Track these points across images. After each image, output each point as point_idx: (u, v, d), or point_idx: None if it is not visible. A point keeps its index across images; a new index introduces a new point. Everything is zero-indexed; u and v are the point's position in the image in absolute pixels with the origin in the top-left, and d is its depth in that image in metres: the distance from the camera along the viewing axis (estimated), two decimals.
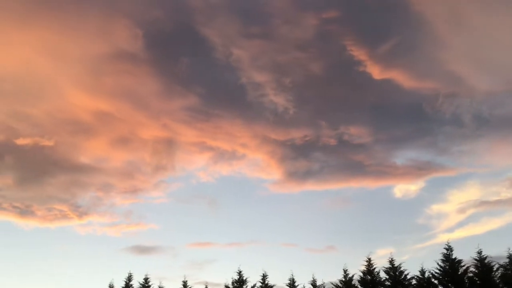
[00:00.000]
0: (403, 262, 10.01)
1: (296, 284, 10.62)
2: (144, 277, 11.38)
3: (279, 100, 17.58)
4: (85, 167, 16.71)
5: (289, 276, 10.74)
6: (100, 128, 16.58)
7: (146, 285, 11.32)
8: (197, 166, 18.06)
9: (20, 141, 15.66)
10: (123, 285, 11.34)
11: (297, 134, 17.66)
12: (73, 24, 15.12)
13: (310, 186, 18.19)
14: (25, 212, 15.90)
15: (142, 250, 16.45)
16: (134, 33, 15.77)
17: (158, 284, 11.55)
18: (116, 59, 15.92)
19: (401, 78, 16.36)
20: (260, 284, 10.91)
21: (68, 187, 16.55)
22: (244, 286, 11.01)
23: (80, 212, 16.41)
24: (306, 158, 18.33)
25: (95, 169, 16.82)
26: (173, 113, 16.88)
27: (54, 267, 16.56)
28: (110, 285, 11.50)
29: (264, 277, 10.99)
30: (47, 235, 16.78)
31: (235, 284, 10.94)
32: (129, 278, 11.49)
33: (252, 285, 10.93)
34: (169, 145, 17.33)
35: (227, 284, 11.01)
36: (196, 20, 16.79)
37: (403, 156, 19.11)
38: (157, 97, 16.80)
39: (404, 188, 18.38)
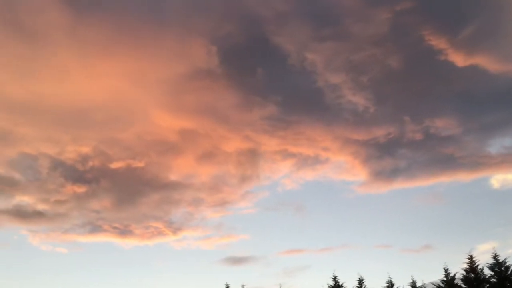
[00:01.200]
0: (509, 257, 9.46)
1: (395, 286, 10.35)
2: (240, 287, 11.68)
3: (358, 99, 17.55)
4: (175, 184, 17.75)
5: (386, 279, 10.53)
6: (185, 145, 17.57)
7: None
8: (281, 173, 18.44)
9: (114, 165, 16.99)
10: None
11: (380, 132, 17.48)
12: (152, 50, 16.17)
13: (399, 185, 17.89)
14: (124, 232, 17.21)
15: (235, 261, 17.07)
16: (209, 50, 16.59)
17: None
18: (194, 77, 16.79)
19: (486, 62, 15.67)
20: None
21: (161, 204, 17.67)
22: None
23: (174, 228, 17.47)
24: (392, 156, 18.07)
25: (184, 186, 17.80)
26: (254, 124, 17.45)
27: (155, 282, 17.55)
28: None
29: (361, 281, 11.01)
30: (146, 252, 17.91)
31: None
32: None
33: None
34: (252, 155, 17.92)
35: None
36: (267, 30, 17.33)
37: (497, 144, 18.16)
38: (236, 109, 17.46)
39: (502, 178, 17.41)
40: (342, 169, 18.95)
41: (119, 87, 16.46)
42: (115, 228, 17.42)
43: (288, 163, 19.01)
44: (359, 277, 11.15)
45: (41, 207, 16.67)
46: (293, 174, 19.11)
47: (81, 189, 17.00)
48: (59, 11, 14.99)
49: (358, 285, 11.10)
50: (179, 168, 18.50)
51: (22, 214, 16.42)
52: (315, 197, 20.18)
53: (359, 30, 17.61)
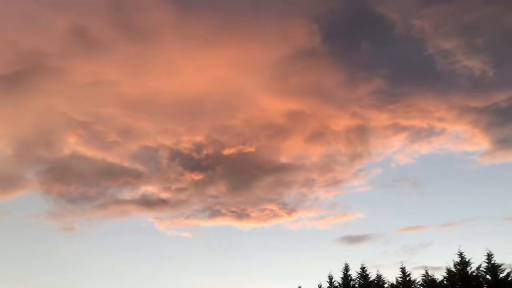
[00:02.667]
0: None
1: None
2: (360, 266, 11.74)
3: (473, 63, 16.73)
4: (286, 166, 18.26)
5: None
6: (293, 127, 17.96)
7: (364, 274, 11.81)
8: (393, 149, 18.15)
9: (226, 152, 17.88)
10: (341, 276, 11.95)
11: (501, 97, 16.59)
12: (254, 35, 16.66)
13: None
14: (241, 215, 18.16)
15: (352, 240, 17.17)
16: (311, 29, 16.74)
17: (376, 272, 11.67)
18: (297, 58, 17.05)
19: None
20: (486, 264, 10.38)
21: (274, 187, 18.29)
22: (468, 268, 10.50)
23: (289, 209, 18.04)
24: None
25: (296, 167, 18.23)
26: (361, 100, 17.39)
27: (273, 263, 18.23)
28: (329, 276, 12.45)
29: (490, 256, 10.55)
30: (263, 234, 18.68)
31: (458, 267, 10.66)
32: (346, 268, 12.20)
33: (477, 266, 10.41)
34: (361, 132, 17.89)
35: (448, 267, 10.79)
36: (369, 1, 16.83)
37: None
38: (342, 87, 17.44)
39: None
40: (460, 139, 18.14)
41: (225, 76, 17.31)
42: (232, 212, 18.58)
43: (400, 137, 18.64)
44: (488, 252, 10.66)
45: (164, 195, 18.20)
46: (407, 148, 18.69)
47: (198, 176, 18.35)
48: (165, 9, 16.02)
49: (487, 261, 10.65)
50: (289, 150, 18.99)
51: (148, 203, 18.04)
52: (432, 171, 19.52)
53: None
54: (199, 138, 18.52)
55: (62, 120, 16.25)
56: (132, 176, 18.02)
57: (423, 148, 19.57)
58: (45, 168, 16.29)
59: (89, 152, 17.07)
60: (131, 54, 16.26)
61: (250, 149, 19.55)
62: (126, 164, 17.71)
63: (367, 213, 19.38)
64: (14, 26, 14.74)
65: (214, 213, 19.78)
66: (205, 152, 18.97)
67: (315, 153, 19.77)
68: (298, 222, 19.63)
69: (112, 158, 17.45)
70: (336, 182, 19.50)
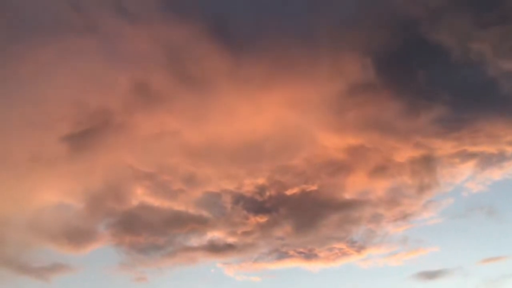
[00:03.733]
0: None
1: None
2: None
3: None
4: (351, 202, 17.94)
5: None
6: (355, 162, 17.73)
7: None
8: (463, 177, 17.50)
9: (289, 192, 17.81)
10: None
11: None
12: (308, 73, 16.80)
13: None
14: (309, 255, 17.89)
15: (428, 275, 16.54)
16: (363, 63, 16.71)
17: None
18: (353, 92, 16.98)
19: None
20: None
21: (340, 225, 18.01)
22: None
23: (358, 247, 17.63)
24: None
25: (361, 203, 17.88)
26: (423, 129, 16.96)
27: None
28: None
29: None
30: (333, 274, 18.24)
31: None
32: None
33: None
34: (427, 162, 17.42)
35: None
36: (422, 29, 16.83)
37: None
38: (402, 117, 17.10)
39: None
40: None
41: (282, 116, 17.35)
42: (300, 252, 18.20)
43: (469, 164, 17.88)
44: None
45: (230, 240, 18.18)
46: (477, 175, 17.89)
47: (262, 219, 18.22)
48: (219, 57, 16.44)
49: None
50: (353, 186, 18.63)
51: (215, 249, 18.05)
52: (507, 197, 18.43)
53: None
54: (261, 180, 18.56)
55: (129, 172, 16.75)
56: (198, 223, 18.18)
57: (495, 174, 18.59)
58: (116, 221, 16.71)
59: (156, 202, 17.41)
60: (190, 103, 16.65)
61: (313, 187, 19.19)
62: (191, 211, 17.90)
63: (441, 246, 18.47)
64: (81, 87, 15.49)
65: (282, 255, 19.34)
66: (267, 193, 18.98)
67: (380, 187, 19.28)
68: (368, 260, 19.00)
69: (178, 206, 17.71)
70: (405, 216, 18.83)
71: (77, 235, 16.23)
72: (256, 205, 18.32)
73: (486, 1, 17.97)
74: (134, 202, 16.93)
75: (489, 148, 17.80)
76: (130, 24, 15.42)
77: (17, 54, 14.18)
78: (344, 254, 18.27)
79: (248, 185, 18.12)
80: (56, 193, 16.29)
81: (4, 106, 14.59)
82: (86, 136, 15.63)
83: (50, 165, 15.87)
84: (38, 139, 15.40)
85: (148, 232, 17.31)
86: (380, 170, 18.34)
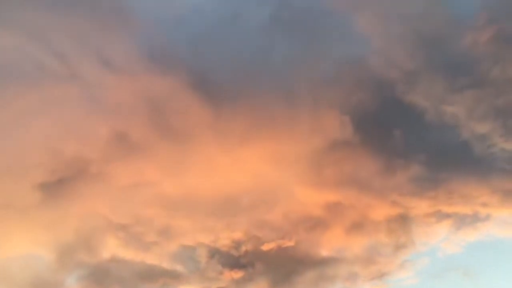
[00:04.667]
0: None
1: None
2: None
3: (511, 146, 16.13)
4: (327, 259, 17.81)
5: None
6: (332, 219, 17.70)
7: None
8: (438, 237, 17.51)
9: (266, 247, 17.54)
10: None
11: None
12: (287, 129, 16.99)
13: None
14: None
15: None
16: (342, 121, 16.88)
17: None
18: (331, 149, 17.15)
19: None
20: None
21: (317, 283, 17.82)
22: None
23: None
24: None
25: (337, 260, 17.74)
26: (400, 188, 17.13)
27: None
28: None
29: None
30: None
31: None
32: None
33: None
34: (403, 221, 17.51)
35: None
36: (398, 91, 17.29)
37: None
38: (379, 175, 17.33)
39: None
40: (508, 224, 17.26)
41: (261, 171, 17.40)
42: None
43: (444, 224, 18.06)
44: None
45: None
46: (452, 236, 18.03)
47: (238, 274, 17.85)
48: (201, 110, 16.59)
49: None
50: (329, 243, 18.53)
51: None
52: (482, 259, 18.52)
53: (498, 73, 16.58)
54: (237, 234, 18.29)
55: (102, 223, 16.36)
56: (171, 277, 17.66)
57: (470, 235, 18.70)
58: (86, 273, 16.12)
59: (129, 254, 16.93)
60: (170, 155, 16.60)
61: (290, 243, 18.91)
62: (165, 264, 17.43)
63: None
64: (58, 135, 15.36)
65: None
66: (244, 248, 18.65)
67: (356, 244, 19.18)
68: None
69: (152, 259, 17.25)
70: (381, 275, 18.65)
71: (46, 287, 15.59)
72: (231, 259, 17.98)
73: (460, 66, 18.69)
74: (106, 254, 16.43)
75: (463, 209, 18.01)
76: (112, 75, 15.51)
77: None
78: None
79: (225, 239, 17.84)
80: (25, 243, 15.75)
81: None
82: (60, 184, 15.34)
83: (21, 213, 15.42)
84: (11, 186, 15.01)
85: (119, 287, 16.71)
86: (357, 227, 18.34)
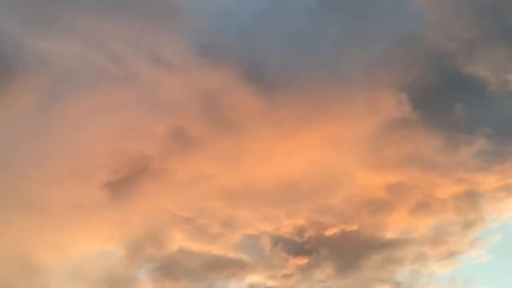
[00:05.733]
0: None
1: None
2: None
3: None
4: (393, 242, 17.36)
5: None
6: (395, 200, 17.21)
7: None
8: (509, 213, 16.50)
9: (329, 232, 17.40)
10: None
11: None
12: (343, 112, 16.67)
13: None
14: None
15: None
16: (399, 99, 16.23)
17: None
18: (390, 129, 16.65)
19: None
20: None
21: (384, 265, 17.38)
22: None
23: None
24: None
25: (404, 242, 17.29)
26: (465, 164, 16.48)
27: None
28: None
29: None
30: None
31: None
32: None
33: None
34: (470, 197, 16.81)
35: None
36: (457, 63, 16.35)
37: None
38: (442, 152, 16.70)
39: None
40: None
41: (319, 156, 17.16)
42: None
43: None
44: None
45: (271, 283, 17.74)
46: None
47: (302, 261, 17.80)
48: (254, 100, 16.46)
49: None
50: (395, 225, 18.11)
51: None
52: None
53: None
54: (299, 221, 18.20)
55: (167, 217, 16.72)
56: (237, 267, 17.84)
57: None
58: (156, 266, 16.59)
59: (195, 246, 17.24)
60: (227, 147, 16.68)
61: (353, 227, 18.63)
62: (230, 254, 17.63)
63: (492, 286, 17.53)
64: (119, 135, 15.76)
65: None
66: (307, 234, 18.54)
67: (423, 225, 18.58)
68: None
69: (217, 250, 17.47)
70: (451, 254, 17.99)
71: (119, 282, 16.15)
72: (295, 246, 17.93)
73: None
74: (174, 247, 16.82)
75: None
76: (166, 72, 15.71)
77: (60, 107, 14.57)
78: None
79: (287, 227, 17.81)
80: (96, 241, 16.35)
81: (46, 156, 14.88)
82: (124, 183, 15.76)
83: (90, 213, 15.99)
84: (78, 187, 15.60)
85: (188, 277, 17.07)
86: (422, 207, 17.79)
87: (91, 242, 16.44)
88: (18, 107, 14.17)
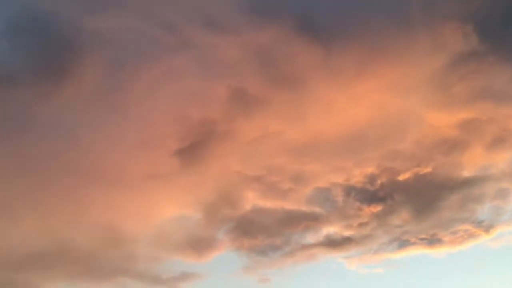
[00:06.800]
0: None
1: None
2: None
3: None
4: (471, 180, 16.83)
5: None
6: (469, 137, 16.61)
7: None
8: None
9: (401, 177, 17.03)
10: None
11: None
12: (405, 52, 16.01)
13: None
14: (432, 241, 17.13)
15: None
16: (465, 31, 15.30)
17: None
18: (457, 64, 15.90)
19: None
20: None
21: (463, 205, 16.90)
22: None
23: (485, 226, 16.56)
24: None
25: (482, 179, 16.72)
26: None
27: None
28: None
29: None
30: (461, 258, 17.01)
31: None
32: None
33: None
34: None
35: None
36: None
37: None
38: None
39: None
40: None
41: (384, 100, 16.73)
42: (422, 239, 17.45)
43: None
44: None
45: (347, 233, 17.89)
46: None
47: (377, 208, 17.71)
48: (310, 51, 16.24)
49: None
50: (471, 162, 17.49)
51: (332, 244, 17.83)
52: None
53: None
54: (370, 169, 17.96)
55: (238, 178, 17.08)
56: (312, 220, 18.03)
57: None
58: (233, 226, 17.11)
59: (268, 203, 17.57)
60: (288, 103, 16.60)
61: (427, 169, 18.24)
62: (304, 208, 17.81)
63: None
64: (183, 103, 16.11)
65: (403, 244, 18.24)
66: (379, 182, 18.31)
67: (501, 159, 17.71)
68: (499, 239, 17.48)
69: (290, 205, 17.70)
70: None
71: (200, 244, 16.86)
72: (368, 195, 17.79)
73: None
74: (247, 206, 17.26)
75: None
76: (220, 35, 15.73)
77: (124, 81, 15.07)
78: (471, 235, 17.08)
79: (357, 176, 17.66)
80: (174, 206, 17.06)
81: (117, 129, 15.54)
82: (193, 148, 16.22)
83: (165, 180, 16.65)
84: (151, 157, 16.23)
85: (264, 234, 17.51)
86: (499, 141, 16.93)
87: (169, 208, 17.18)
88: (86, 86, 14.84)
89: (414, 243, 17.58)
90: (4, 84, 13.65)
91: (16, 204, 14.44)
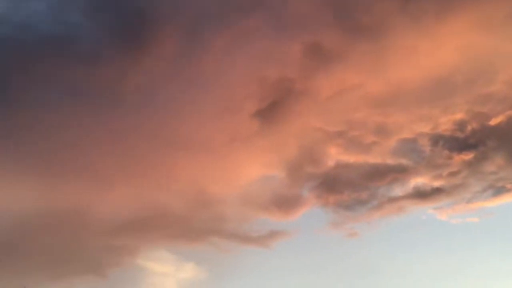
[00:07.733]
0: None
1: None
2: None
3: None
4: None
5: None
6: None
7: None
8: None
9: (493, 122, 16.03)
10: None
11: None
12: None
13: None
14: None
15: None
16: None
17: None
18: None
19: None
20: None
21: None
22: None
23: None
24: None
25: None
26: None
27: None
28: None
29: None
30: None
31: None
32: None
33: None
34: None
35: None
36: None
37: None
38: None
39: None
40: None
41: (470, 42, 15.93)
42: None
43: None
44: None
45: (436, 183, 17.42)
46: None
47: (468, 156, 17.00)
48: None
49: None
50: None
51: (421, 195, 17.44)
52: None
53: None
54: (458, 116, 17.08)
55: (319, 135, 16.99)
56: (398, 172, 17.65)
57: None
58: (317, 183, 17.18)
59: (351, 158, 17.39)
60: (366, 54, 16.06)
61: None
62: (389, 161, 17.45)
63: None
64: (260, 63, 16.10)
65: (498, 191, 17.04)
66: (469, 128, 17.38)
67: None
68: None
69: (374, 158, 17.41)
70: None
71: (286, 202, 17.10)
72: (458, 142, 17.01)
73: None
74: (331, 162, 17.18)
75: None
76: None
77: (200, 46, 15.26)
78: None
79: (445, 124, 16.87)
80: (258, 168, 17.33)
81: (201, 97, 15.87)
82: (272, 109, 16.25)
83: (247, 142, 16.91)
84: (231, 120, 16.48)
85: (350, 189, 17.39)
86: None
87: (254, 169, 17.47)
88: (163, 58, 15.21)
89: (510, 190, 16.69)
90: (89, 61, 14.30)
91: (112, 175, 15.37)
